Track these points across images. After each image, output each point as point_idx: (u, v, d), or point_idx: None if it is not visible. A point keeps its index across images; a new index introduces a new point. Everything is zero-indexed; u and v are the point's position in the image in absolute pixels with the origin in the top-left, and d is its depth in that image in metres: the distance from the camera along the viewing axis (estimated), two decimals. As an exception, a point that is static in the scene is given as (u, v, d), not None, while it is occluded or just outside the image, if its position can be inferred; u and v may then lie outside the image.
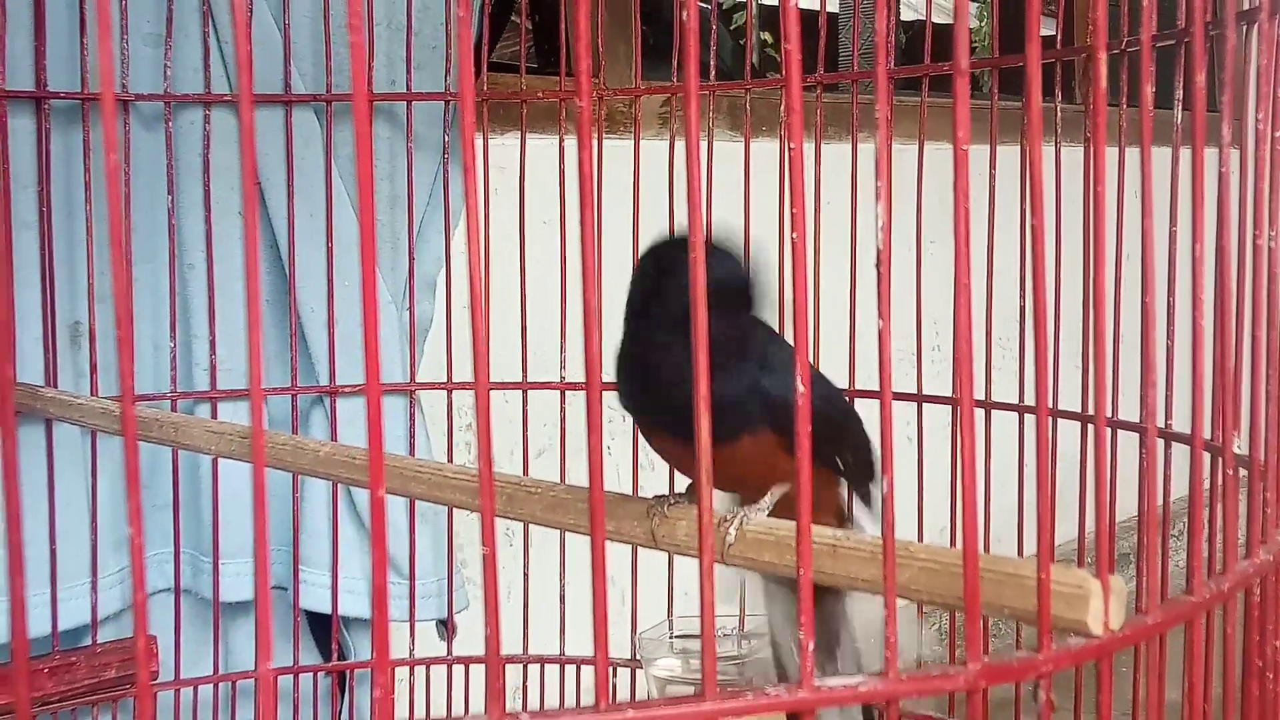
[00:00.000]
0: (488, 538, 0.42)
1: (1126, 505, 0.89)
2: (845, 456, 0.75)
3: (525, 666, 1.20)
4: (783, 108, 1.05)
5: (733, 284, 0.66)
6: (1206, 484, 0.76)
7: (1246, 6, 0.73)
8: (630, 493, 0.83)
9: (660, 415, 0.66)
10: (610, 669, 1.17)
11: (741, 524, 0.61)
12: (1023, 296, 1.00)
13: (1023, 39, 0.45)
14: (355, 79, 0.40)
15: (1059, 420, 0.96)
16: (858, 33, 1.35)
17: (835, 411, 0.75)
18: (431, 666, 1.20)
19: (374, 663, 0.41)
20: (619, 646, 1.17)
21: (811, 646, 0.44)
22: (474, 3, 1.20)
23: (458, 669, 1.19)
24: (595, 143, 1.13)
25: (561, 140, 1.17)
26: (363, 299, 0.39)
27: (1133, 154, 0.89)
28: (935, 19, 1.10)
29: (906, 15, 3.07)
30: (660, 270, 0.65)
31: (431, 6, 1.19)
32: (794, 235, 0.43)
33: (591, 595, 0.42)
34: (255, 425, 0.40)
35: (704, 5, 1.19)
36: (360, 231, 0.39)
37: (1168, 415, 0.83)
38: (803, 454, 0.44)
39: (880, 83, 0.45)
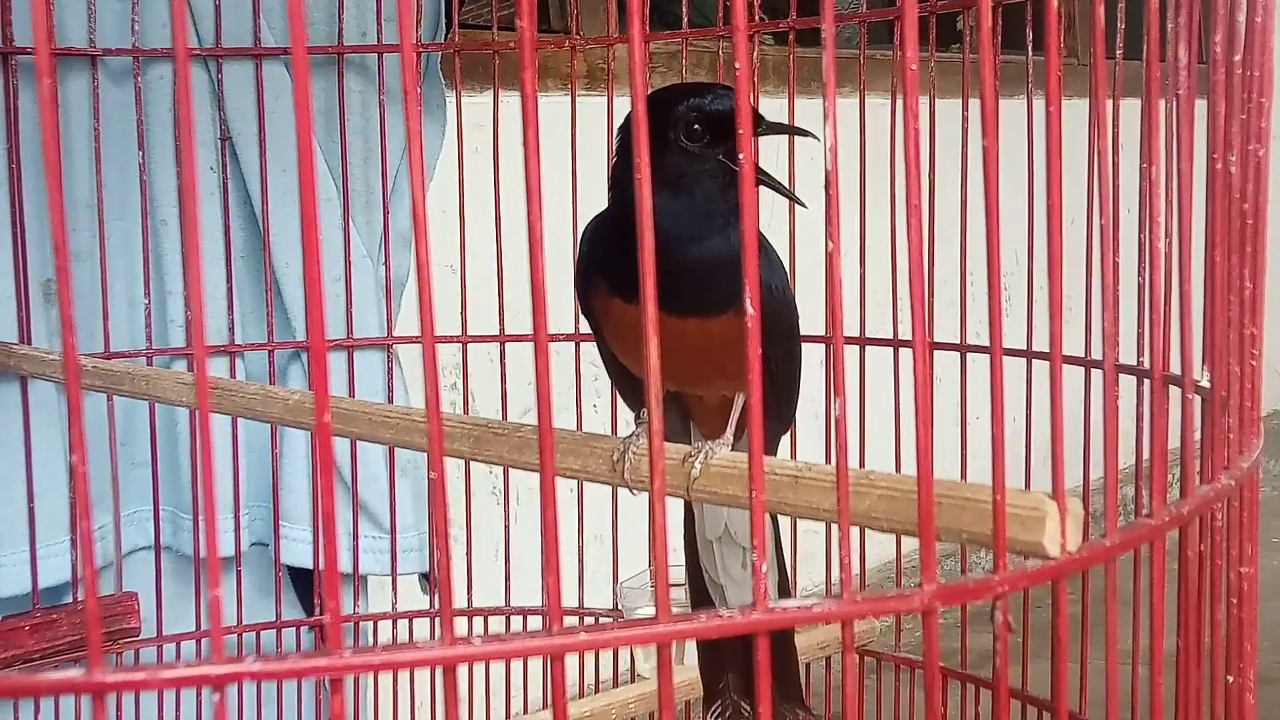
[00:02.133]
0: (435, 463, 0.42)
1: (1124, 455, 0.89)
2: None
3: (508, 618, 1.20)
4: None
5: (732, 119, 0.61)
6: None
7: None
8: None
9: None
10: (593, 619, 1.17)
11: (706, 458, 0.61)
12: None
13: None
14: (292, 13, 0.40)
15: (1033, 362, 0.96)
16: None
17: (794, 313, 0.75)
18: (414, 620, 1.20)
19: (324, 588, 0.41)
20: (602, 597, 1.17)
21: (764, 568, 0.44)
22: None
23: (440, 622, 1.19)
24: (570, 97, 1.12)
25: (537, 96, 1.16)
26: (303, 233, 0.39)
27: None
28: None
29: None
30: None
31: (402, -42, 1.18)
32: (741, 156, 0.42)
33: (540, 519, 0.42)
34: (199, 353, 0.40)
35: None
36: (300, 181, 0.39)
37: (1139, 352, 0.83)
38: (754, 376, 0.43)
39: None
